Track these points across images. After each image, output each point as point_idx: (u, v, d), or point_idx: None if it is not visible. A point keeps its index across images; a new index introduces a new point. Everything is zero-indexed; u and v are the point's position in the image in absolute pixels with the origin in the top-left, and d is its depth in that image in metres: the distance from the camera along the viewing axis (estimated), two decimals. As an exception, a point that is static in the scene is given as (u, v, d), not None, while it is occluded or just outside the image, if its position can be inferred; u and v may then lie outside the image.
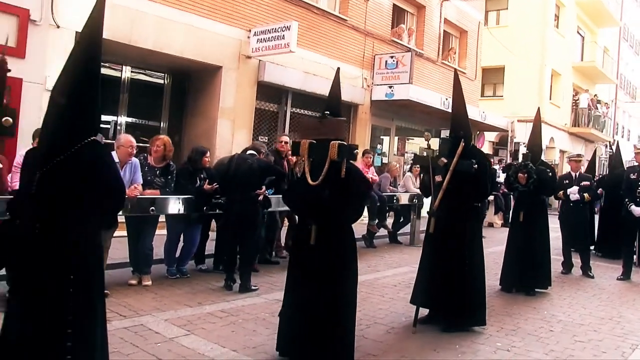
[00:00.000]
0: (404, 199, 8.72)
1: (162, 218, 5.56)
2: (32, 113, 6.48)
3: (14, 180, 4.41)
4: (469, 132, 4.51)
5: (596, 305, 5.59)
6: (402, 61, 10.97)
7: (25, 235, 2.05)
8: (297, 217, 3.74)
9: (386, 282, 6.11)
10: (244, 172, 5.22)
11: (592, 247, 8.09)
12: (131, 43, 7.44)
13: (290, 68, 9.48)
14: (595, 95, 23.11)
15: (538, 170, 5.86)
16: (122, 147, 4.77)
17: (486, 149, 16.90)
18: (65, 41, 6.84)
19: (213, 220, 6.18)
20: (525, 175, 5.81)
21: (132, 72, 8.48)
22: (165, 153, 5.32)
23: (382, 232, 8.81)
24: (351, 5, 11.10)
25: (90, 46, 2.17)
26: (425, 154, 4.60)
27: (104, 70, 8.13)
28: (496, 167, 11.43)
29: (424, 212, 9.54)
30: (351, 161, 3.50)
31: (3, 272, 3.04)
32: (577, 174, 7.28)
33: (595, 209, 8.93)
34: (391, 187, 8.95)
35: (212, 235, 6.24)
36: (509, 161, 13.99)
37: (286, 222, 7.15)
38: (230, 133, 8.75)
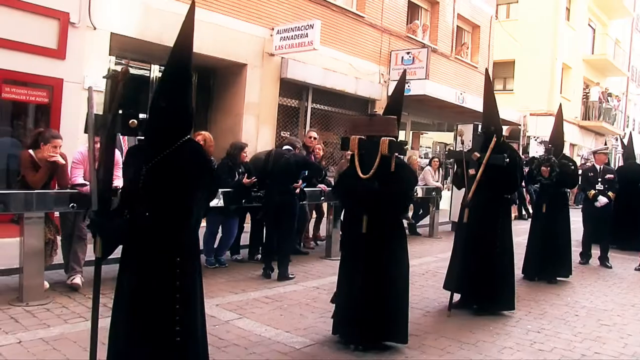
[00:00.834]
0: (423, 193, 8.97)
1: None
2: (72, 112, 6.80)
3: (73, 175, 4.69)
4: (500, 128, 4.76)
5: (617, 293, 5.84)
6: (419, 57, 11.18)
7: (135, 224, 2.33)
8: (344, 208, 3.99)
9: (413, 271, 6.30)
10: (282, 166, 5.50)
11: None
12: (162, 43, 7.70)
13: (311, 65, 9.73)
14: (606, 88, 23.18)
15: (560, 163, 6.11)
16: None
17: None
18: (101, 42, 7.14)
19: (248, 212, 6.46)
20: (549, 168, 6.05)
21: (159, 70, 8.74)
22: (205, 148, 5.58)
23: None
24: (368, 3, 11.31)
25: (183, 56, 2.43)
26: (458, 148, 4.86)
27: (134, 70, 8.43)
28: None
29: (443, 205, 9.84)
30: (401, 156, 3.77)
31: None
32: (602, 167, 7.43)
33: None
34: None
35: (246, 227, 6.54)
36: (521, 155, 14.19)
37: (314, 215, 7.44)
38: (255, 128, 9.03)
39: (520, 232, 6.70)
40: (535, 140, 17.82)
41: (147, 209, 2.30)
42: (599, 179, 7.24)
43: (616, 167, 10.42)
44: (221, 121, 9.26)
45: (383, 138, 3.52)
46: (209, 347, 2.65)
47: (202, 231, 6.07)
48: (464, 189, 4.77)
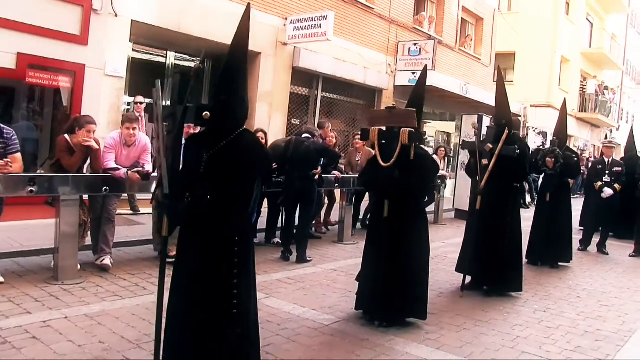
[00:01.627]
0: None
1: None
2: (94, 96, 6.99)
3: (105, 160, 4.88)
4: (511, 121, 5.04)
5: (614, 277, 6.21)
6: (425, 48, 11.41)
7: (197, 206, 2.57)
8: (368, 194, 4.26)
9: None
10: (302, 153, 5.75)
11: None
12: (180, 30, 7.88)
13: (322, 54, 9.94)
14: (603, 81, 23.52)
15: (564, 155, 6.43)
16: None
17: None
18: (122, 29, 7.30)
19: (265, 198, 6.72)
20: (553, 159, 6.36)
21: (175, 57, 8.92)
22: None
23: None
24: (377, -6, 11.50)
25: (240, 54, 2.67)
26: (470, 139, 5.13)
27: (150, 57, 8.60)
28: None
29: (447, 193, 10.17)
30: (421, 145, 4.04)
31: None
32: (610, 159, 7.72)
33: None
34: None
35: (263, 212, 6.81)
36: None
37: (326, 201, 7.72)
38: (267, 116, 9.25)
39: (522, 219, 7.04)
40: (534, 131, 18.14)
41: (209, 193, 2.54)
42: (607, 171, 7.54)
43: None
44: (234, 108, 9.46)
45: (403, 129, 3.77)
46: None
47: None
48: (470, 180, 5.06)
